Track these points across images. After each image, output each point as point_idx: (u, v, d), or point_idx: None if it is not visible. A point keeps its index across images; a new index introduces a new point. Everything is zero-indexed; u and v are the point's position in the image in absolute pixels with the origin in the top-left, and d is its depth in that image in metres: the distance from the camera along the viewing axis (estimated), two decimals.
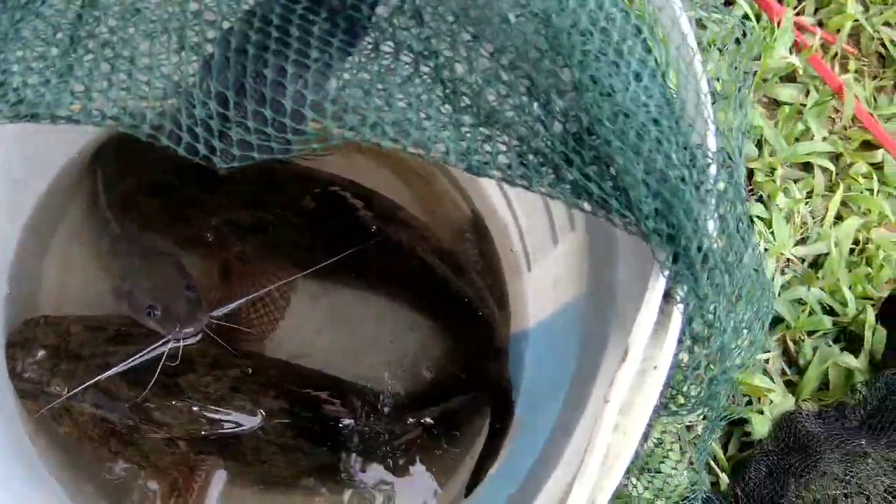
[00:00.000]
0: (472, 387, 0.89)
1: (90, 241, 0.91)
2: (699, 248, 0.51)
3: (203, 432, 0.84)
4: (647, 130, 0.50)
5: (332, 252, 0.89)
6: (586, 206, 0.51)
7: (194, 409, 0.83)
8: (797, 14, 1.27)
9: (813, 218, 1.20)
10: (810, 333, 1.13)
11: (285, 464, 0.85)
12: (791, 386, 1.11)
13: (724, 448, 1.06)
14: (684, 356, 0.55)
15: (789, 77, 1.25)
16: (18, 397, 0.85)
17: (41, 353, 0.85)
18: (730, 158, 0.55)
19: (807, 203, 1.19)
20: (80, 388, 0.82)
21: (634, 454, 0.52)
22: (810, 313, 1.13)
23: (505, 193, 0.90)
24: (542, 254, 0.84)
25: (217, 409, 0.84)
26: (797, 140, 1.22)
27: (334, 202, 0.91)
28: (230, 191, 0.90)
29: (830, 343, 1.13)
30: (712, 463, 1.04)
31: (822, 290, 1.15)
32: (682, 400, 0.57)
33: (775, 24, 1.22)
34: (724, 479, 1.02)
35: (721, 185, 0.53)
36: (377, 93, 0.47)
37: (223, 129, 0.46)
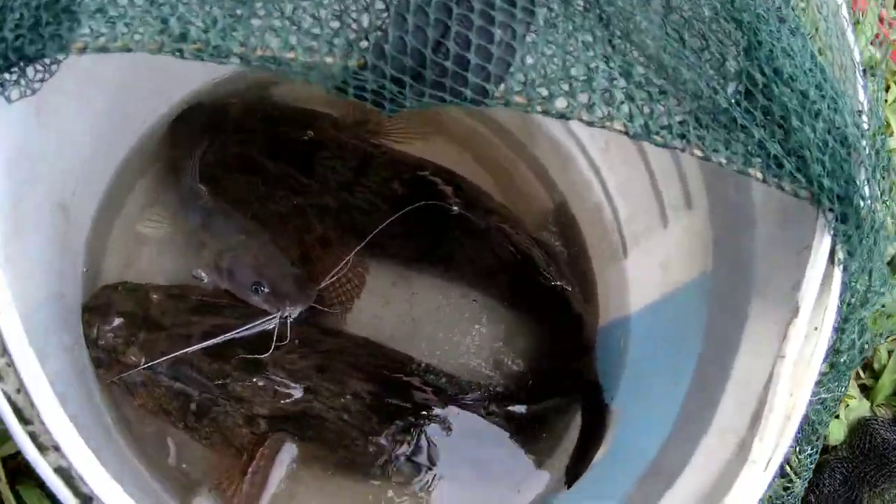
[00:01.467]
0: (560, 383, 0.86)
1: (174, 213, 0.87)
2: (865, 210, 0.52)
3: (283, 411, 0.80)
4: (822, 91, 0.50)
5: (418, 239, 0.88)
6: (756, 172, 0.50)
7: (277, 387, 0.80)
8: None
9: (892, 218, 1.17)
10: (886, 337, 1.11)
11: (366, 450, 0.81)
12: (866, 390, 1.08)
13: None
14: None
15: (869, 71, 1.22)
16: (93, 365, 0.79)
17: (118, 321, 0.80)
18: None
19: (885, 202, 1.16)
20: (162, 359, 0.78)
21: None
22: (887, 316, 1.11)
23: (602, 180, 0.88)
24: (645, 238, 0.82)
25: (299, 385, 0.80)
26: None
27: (424, 188, 0.88)
28: (322, 172, 0.87)
29: None
30: (787, 467, 1.00)
31: None
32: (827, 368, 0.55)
33: (860, 15, 1.19)
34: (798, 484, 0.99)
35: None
36: (563, 64, 0.46)
37: (412, 83, 0.45)
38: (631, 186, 0.83)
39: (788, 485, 0.61)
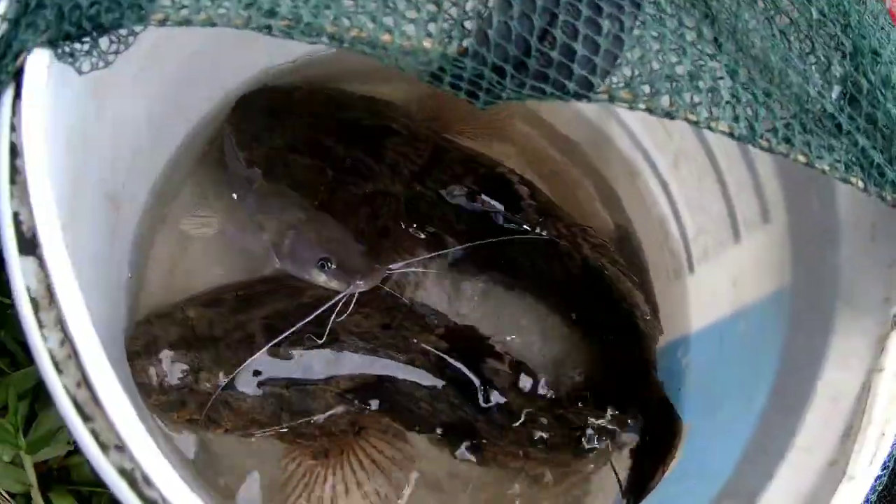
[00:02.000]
0: (622, 399, 0.84)
1: (222, 210, 0.84)
2: None
3: (364, 380, 0.78)
4: None
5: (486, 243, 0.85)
6: (857, 180, 0.48)
7: (352, 351, 0.77)
8: None
9: None
10: None
11: (429, 412, 0.79)
12: None
13: None
14: None
15: None
16: (163, 413, 0.75)
17: (172, 353, 0.74)
18: None
19: None
20: (245, 363, 0.73)
21: None
22: None
23: (669, 194, 0.87)
24: (714, 253, 0.81)
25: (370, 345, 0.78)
26: None
27: (499, 186, 0.87)
28: (393, 158, 0.86)
29: None
30: None
31: None
32: None
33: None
34: None
35: None
36: (668, 60, 0.45)
37: (514, 73, 0.44)
38: (701, 201, 0.82)
39: None
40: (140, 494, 0.42)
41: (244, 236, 0.83)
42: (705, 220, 0.82)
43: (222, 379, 0.74)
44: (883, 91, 0.48)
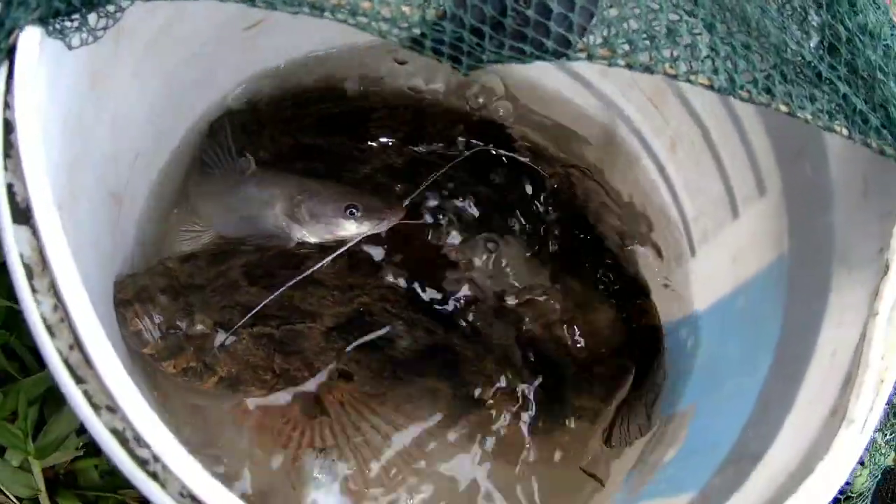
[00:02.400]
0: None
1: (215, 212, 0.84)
2: None
3: (344, 315, 0.79)
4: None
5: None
6: (842, 128, 0.49)
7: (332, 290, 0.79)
8: None
9: None
10: None
11: (409, 342, 0.81)
12: None
13: None
14: None
15: None
16: (159, 362, 0.72)
17: (164, 298, 0.73)
18: None
19: None
20: (264, 302, 0.74)
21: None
22: None
23: (667, 179, 0.87)
24: (714, 234, 0.81)
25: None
26: None
27: (491, 130, 0.89)
28: (378, 132, 0.87)
29: None
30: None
31: None
32: None
33: None
34: None
35: None
36: (645, 16, 0.46)
37: (492, 34, 0.45)
38: (700, 183, 0.82)
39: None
40: (132, 454, 0.43)
41: (249, 224, 0.82)
42: (705, 201, 0.82)
43: (213, 323, 0.74)
44: (861, 38, 0.48)
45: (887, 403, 0.51)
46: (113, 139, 0.65)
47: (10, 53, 0.45)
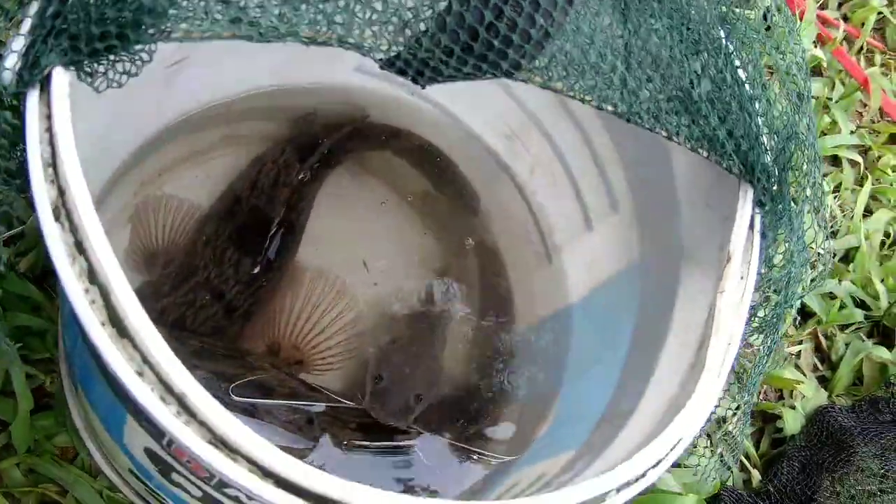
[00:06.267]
0: None
1: None
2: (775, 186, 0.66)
3: None
4: (741, 99, 0.65)
5: None
6: (703, 150, 0.64)
7: None
8: (820, 7, 1.31)
9: (842, 211, 1.20)
10: (842, 328, 1.13)
11: None
12: (823, 381, 1.11)
13: (756, 445, 1.06)
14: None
15: (814, 71, 1.27)
16: None
17: None
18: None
19: (835, 197, 1.20)
20: None
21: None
22: (841, 307, 1.13)
23: (526, 198, 1.01)
24: (569, 244, 0.97)
25: None
26: (824, 134, 1.23)
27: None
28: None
29: (863, 337, 1.13)
30: (744, 460, 1.04)
31: (854, 283, 1.14)
32: (756, 323, 0.69)
33: (798, 17, 1.23)
34: (755, 475, 1.03)
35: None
36: (582, 50, 0.57)
37: (461, 54, 0.55)
38: (555, 202, 0.97)
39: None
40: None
41: None
42: (559, 216, 0.97)
43: None
44: (728, 85, 0.63)
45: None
46: None
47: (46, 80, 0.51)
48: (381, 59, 0.55)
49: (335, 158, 1.00)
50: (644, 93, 0.59)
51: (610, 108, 0.59)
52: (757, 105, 0.65)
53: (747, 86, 0.65)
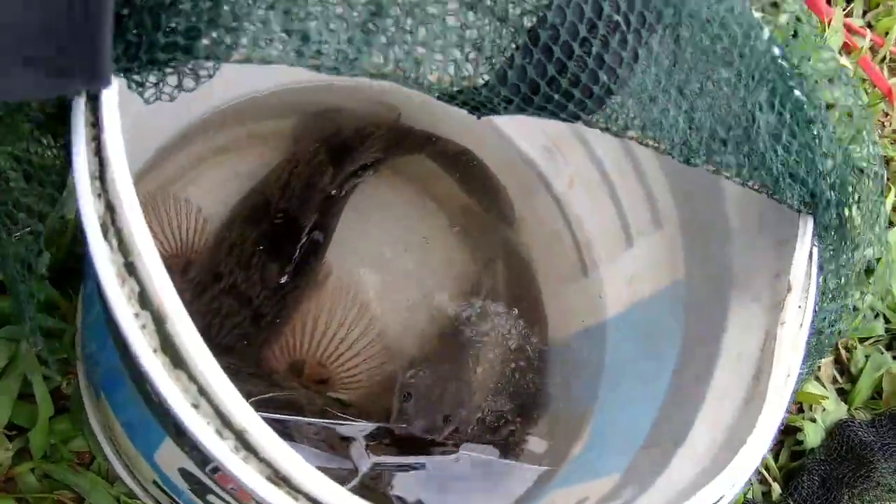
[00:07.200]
0: None
1: None
2: (836, 219, 0.66)
3: None
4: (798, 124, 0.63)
5: None
6: (755, 184, 0.62)
7: None
8: (846, 16, 1.28)
9: (864, 223, 1.21)
10: (862, 340, 1.13)
11: None
12: (843, 394, 1.11)
13: (776, 457, 1.06)
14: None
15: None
16: None
17: None
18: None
19: (858, 208, 1.20)
20: None
21: None
22: (863, 320, 1.11)
23: (563, 210, 1.01)
24: (609, 259, 0.96)
25: None
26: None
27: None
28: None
29: (883, 350, 1.13)
30: (764, 472, 1.04)
31: (874, 295, 1.10)
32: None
33: (825, 25, 1.22)
34: (776, 488, 1.03)
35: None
36: (641, 105, 0.56)
37: (507, 108, 0.54)
38: (594, 215, 0.96)
39: None
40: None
41: None
42: (598, 231, 0.96)
43: None
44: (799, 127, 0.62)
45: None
46: None
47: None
48: (438, 96, 0.54)
49: (371, 165, 0.98)
50: (705, 134, 0.58)
51: (676, 154, 0.57)
52: (815, 129, 0.64)
53: (805, 108, 0.63)
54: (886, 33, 1.31)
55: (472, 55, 0.52)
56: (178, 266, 0.87)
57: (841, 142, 0.65)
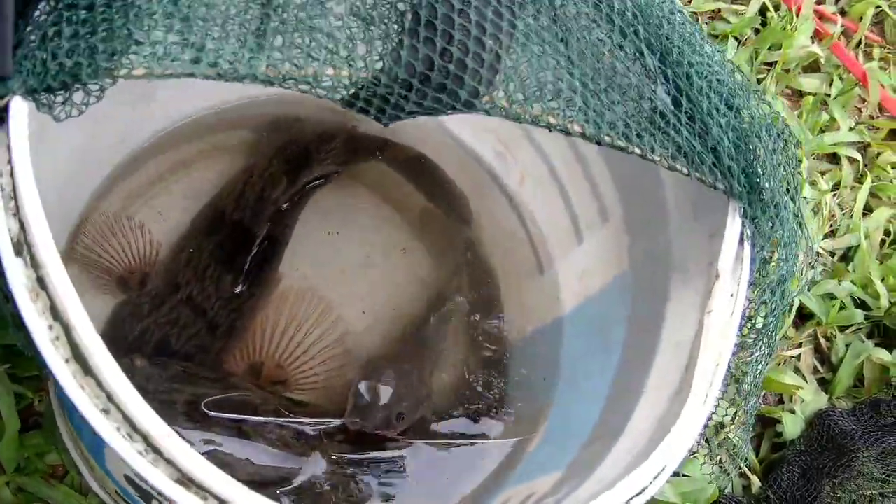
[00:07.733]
0: None
1: None
2: (769, 197, 0.65)
3: None
4: (728, 100, 0.63)
5: None
6: (683, 167, 0.62)
7: None
8: (817, 3, 1.28)
9: (841, 210, 1.18)
10: (842, 329, 1.11)
11: None
12: (824, 384, 1.09)
13: (756, 450, 1.05)
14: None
15: (812, 67, 1.25)
16: None
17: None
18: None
19: (834, 195, 1.17)
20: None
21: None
22: (841, 308, 1.11)
23: (517, 209, 1.00)
24: (561, 256, 0.95)
25: None
26: (822, 131, 1.20)
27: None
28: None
29: (864, 338, 1.11)
30: (743, 465, 1.02)
31: (854, 283, 1.12)
32: (745, 332, 0.67)
33: (794, 13, 1.22)
34: (755, 481, 1.02)
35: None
36: (536, 75, 0.56)
37: (419, 86, 0.54)
38: (546, 212, 0.96)
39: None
40: None
41: None
42: (550, 228, 0.96)
43: None
44: (696, 92, 0.61)
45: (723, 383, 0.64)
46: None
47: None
48: (341, 100, 0.54)
49: (326, 174, 0.98)
50: (611, 113, 0.58)
51: (577, 129, 0.57)
52: (732, 114, 0.63)
53: (712, 94, 0.63)
54: (860, 18, 1.30)
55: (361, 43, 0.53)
56: (135, 280, 0.88)
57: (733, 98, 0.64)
